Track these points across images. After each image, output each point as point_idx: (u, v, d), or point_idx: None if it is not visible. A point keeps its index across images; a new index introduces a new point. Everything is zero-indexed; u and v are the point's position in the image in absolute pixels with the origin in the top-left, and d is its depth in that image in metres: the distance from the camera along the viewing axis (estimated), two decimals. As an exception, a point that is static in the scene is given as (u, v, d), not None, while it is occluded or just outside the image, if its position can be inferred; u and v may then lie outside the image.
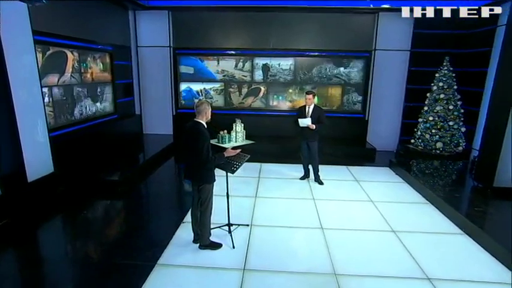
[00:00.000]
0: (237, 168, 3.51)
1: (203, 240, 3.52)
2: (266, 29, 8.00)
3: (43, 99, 4.62)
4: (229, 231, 3.72)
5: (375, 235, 3.93)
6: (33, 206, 4.22)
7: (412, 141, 7.41)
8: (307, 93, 5.34)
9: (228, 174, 3.58)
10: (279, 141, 7.91)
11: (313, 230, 4.01)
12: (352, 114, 8.32)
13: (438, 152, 6.93)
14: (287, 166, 6.47)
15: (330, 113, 8.17)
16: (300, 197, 5.02)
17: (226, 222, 3.80)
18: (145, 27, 8.06)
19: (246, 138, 8.00)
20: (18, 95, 4.12)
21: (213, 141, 6.23)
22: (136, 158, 6.74)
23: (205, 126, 3.33)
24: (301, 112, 5.42)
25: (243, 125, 7.93)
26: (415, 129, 7.38)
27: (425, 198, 5.06)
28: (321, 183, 5.57)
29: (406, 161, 6.72)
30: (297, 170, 6.01)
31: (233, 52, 8.24)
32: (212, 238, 3.62)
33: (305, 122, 5.20)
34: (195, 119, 3.33)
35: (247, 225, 4.06)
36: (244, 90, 8.50)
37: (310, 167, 5.70)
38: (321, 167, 5.89)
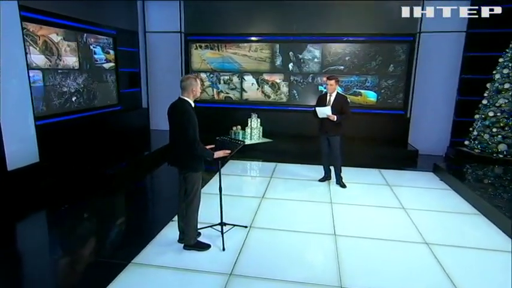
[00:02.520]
0: (229, 158, 3.43)
1: (188, 239, 3.43)
2: (289, 11, 7.90)
3: (30, 83, 4.83)
4: (222, 232, 3.60)
5: (401, 246, 3.60)
6: (13, 197, 4.36)
7: (467, 142, 6.86)
8: (329, 78, 5.12)
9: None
10: (300, 141, 7.69)
11: (324, 236, 3.78)
12: (391, 111, 7.91)
13: (501, 156, 6.31)
14: (306, 167, 6.27)
15: (364, 109, 7.90)
16: (315, 199, 4.80)
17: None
18: (154, 10, 8.31)
19: (263, 136, 7.91)
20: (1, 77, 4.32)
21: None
22: (137, 153, 6.86)
23: (192, 105, 3.27)
24: (321, 101, 5.21)
25: (259, 120, 7.87)
26: (471, 129, 6.82)
27: (476, 209, 4.60)
28: (343, 186, 5.28)
29: (457, 166, 6.23)
30: (317, 171, 5.78)
31: (252, 38, 8.23)
32: (202, 239, 3.56)
33: (324, 111, 4.98)
34: (180, 96, 3.27)
35: (246, 226, 3.93)
36: (263, 82, 8.44)
37: (332, 167, 5.45)
38: (348, 169, 5.64)
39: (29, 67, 4.91)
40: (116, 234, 3.96)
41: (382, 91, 7.92)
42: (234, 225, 3.84)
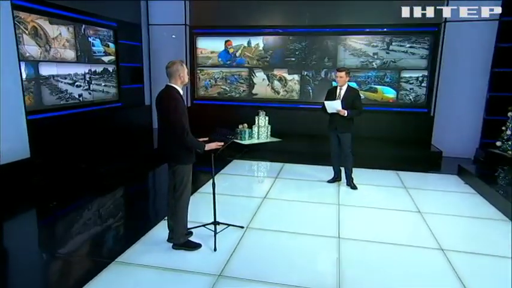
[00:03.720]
0: (220, 151, 3.44)
1: (177, 237, 3.43)
2: (302, 2, 7.88)
3: (21, 75, 4.97)
4: (214, 231, 3.58)
5: (411, 251, 3.50)
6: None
7: (498, 144, 6.60)
8: (339, 70, 5.05)
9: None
10: (311, 140, 7.63)
11: (327, 239, 3.71)
12: (412, 109, 7.77)
13: (538, 159, 6.07)
14: (315, 168, 6.20)
15: (383, 107, 7.76)
16: (321, 201, 4.74)
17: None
18: (157, 1, 8.43)
19: (271, 135, 7.88)
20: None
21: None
22: (135, 151, 6.95)
23: (181, 92, 3.28)
24: (330, 94, 5.15)
25: (267, 118, 7.86)
26: (504, 128, 6.57)
27: (504, 215, 4.41)
28: (353, 187, 5.18)
29: (484, 169, 6.04)
30: (327, 172, 5.67)
31: (262, 31, 8.26)
32: (193, 238, 3.56)
33: (333, 105, 4.91)
34: (167, 84, 3.29)
35: (242, 227, 3.91)
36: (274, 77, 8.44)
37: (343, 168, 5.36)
38: (361, 170, 5.55)
39: (21, 58, 5.05)
40: (103, 232, 4.00)
41: (403, 88, 7.77)
42: (229, 224, 3.81)
